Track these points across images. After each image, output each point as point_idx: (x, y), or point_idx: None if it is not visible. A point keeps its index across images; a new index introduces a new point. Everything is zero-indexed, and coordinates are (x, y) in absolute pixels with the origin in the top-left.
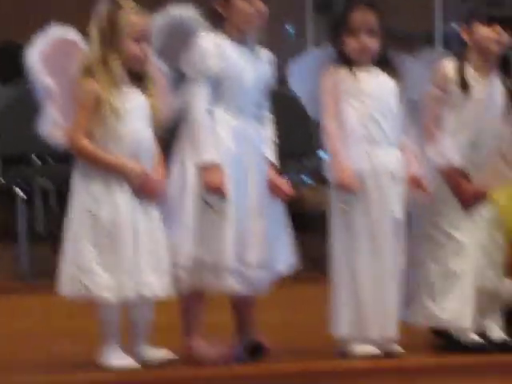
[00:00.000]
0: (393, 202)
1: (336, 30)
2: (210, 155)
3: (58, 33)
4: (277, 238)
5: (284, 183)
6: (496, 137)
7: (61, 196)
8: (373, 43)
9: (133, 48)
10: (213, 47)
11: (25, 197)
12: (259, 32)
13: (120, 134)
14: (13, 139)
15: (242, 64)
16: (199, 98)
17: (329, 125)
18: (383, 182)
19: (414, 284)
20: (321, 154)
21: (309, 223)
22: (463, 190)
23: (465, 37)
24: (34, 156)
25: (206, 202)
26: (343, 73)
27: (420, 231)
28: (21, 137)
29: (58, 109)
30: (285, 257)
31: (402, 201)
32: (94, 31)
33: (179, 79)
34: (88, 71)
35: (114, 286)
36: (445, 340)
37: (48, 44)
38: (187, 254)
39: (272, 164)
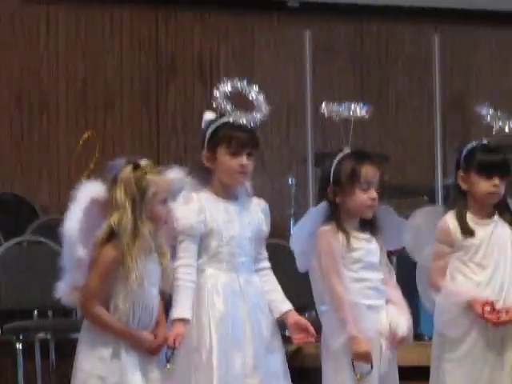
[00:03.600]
0: (382, 359)
1: (341, 184)
2: (180, 312)
3: (90, 193)
4: None
5: (309, 324)
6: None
7: (60, 349)
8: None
9: (161, 211)
10: (193, 206)
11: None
12: (251, 185)
13: (138, 299)
14: (12, 293)
15: (227, 218)
16: (180, 255)
17: (335, 290)
18: (374, 342)
19: None
20: (320, 309)
21: (307, 376)
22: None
23: (462, 185)
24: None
25: (165, 356)
26: (340, 237)
27: None
28: (21, 290)
29: (83, 274)
30: None
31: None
32: (122, 198)
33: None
34: (113, 236)
35: None
36: None
37: (84, 209)
38: None
39: (290, 308)
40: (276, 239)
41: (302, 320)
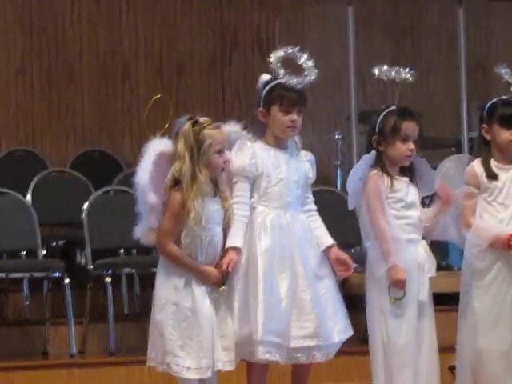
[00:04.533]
0: (420, 288)
1: (385, 136)
2: (232, 242)
3: (159, 147)
4: (331, 311)
5: (348, 258)
6: None
7: (143, 282)
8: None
9: (217, 160)
10: (246, 152)
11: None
12: (300, 139)
13: (202, 238)
14: (102, 234)
15: (276, 163)
16: (235, 194)
17: (380, 225)
18: (413, 273)
19: None
20: (366, 245)
21: (353, 302)
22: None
23: (486, 135)
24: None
25: (222, 281)
26: (385, 179)
27: None
28: (109, 232)
29: (156, 217)
30: (340, 327)
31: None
32: (182, 149)
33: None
34: (177, 183)
35: (193, 367)
36: None
37: (153, 162)
38: (235, 331)
39: (332, 244)
40: (326, 186)
41: (343, 254)
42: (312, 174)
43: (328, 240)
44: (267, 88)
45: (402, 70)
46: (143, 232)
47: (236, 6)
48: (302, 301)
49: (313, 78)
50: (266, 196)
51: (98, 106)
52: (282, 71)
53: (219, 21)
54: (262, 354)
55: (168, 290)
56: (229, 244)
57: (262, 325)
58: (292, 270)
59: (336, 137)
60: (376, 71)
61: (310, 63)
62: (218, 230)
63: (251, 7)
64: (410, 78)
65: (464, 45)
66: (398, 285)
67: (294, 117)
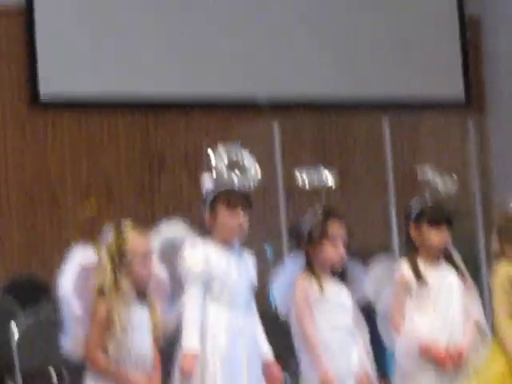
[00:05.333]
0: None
1: (313, 239)
2: (188, 345)
3: (81, 256)
4: None
5: (279, 376)
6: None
7: None
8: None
9: (139, 269)
10: (199, 255)
11: None
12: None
13: (128, 348)
14: (31, 356)
15: (227, 266)
16: (189, 296)
17: (308, 332)
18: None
19: None
20: (300, 357)
21: None
22: (436, 354)
23: (414, 236)
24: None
25: None
26: (314, 283)
27: None
28: (39, 354)
29: (81, 327)
30: None
31: None
32: (104, 257)
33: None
34: (101, 292)
35: None
36: None
37: (75, 271)
38: None
39: (271, 358)
40: (259, 303)
41: (276, 372)
42: (255, 279)
43: (267, 353)
44: (212, 190)
45: (323, 173)
46: (70, 344)
47: (163, 129)
48: None
49: (255, 180)
50: (218, 300)
51: (25, 231)
52: (225, 174)
53: (146, 144)
54: None
55: None
56: (186, 348)
57: None
58: (242, 376)
59: (267, 252)
60: (298, 176)
61: (253, 164)
62: (147, 339)
63: (178, 130)
64: (333, 182)
65: (391, 156)
66: None
67: (241, 220)
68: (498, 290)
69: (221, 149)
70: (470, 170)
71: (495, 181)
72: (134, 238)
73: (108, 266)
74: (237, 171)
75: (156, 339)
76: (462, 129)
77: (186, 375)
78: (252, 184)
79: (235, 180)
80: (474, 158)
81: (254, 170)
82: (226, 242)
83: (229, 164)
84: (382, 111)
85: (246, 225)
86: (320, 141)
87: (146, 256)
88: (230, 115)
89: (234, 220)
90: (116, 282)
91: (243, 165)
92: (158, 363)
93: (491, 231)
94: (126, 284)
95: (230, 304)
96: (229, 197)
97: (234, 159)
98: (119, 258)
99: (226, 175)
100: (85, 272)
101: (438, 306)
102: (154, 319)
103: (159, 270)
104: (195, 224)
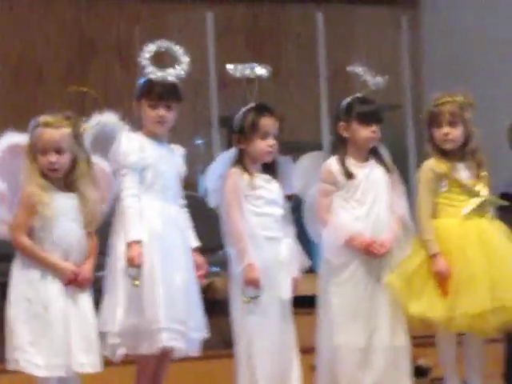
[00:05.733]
0: (281, 286)
1: (244, 133)
2: (132, 235)
3: (10, 139)
4: (195, 309)
5: (204, 264)
6: (388, 206)
7: (2, 289)
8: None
9: (41, 161)
10: (134, 144)
11: None
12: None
13: (53, 233)
14: None
15: (159, 156)
16: (125, 186)
17: (235, 223)
18: (274, 271)
19: None
20: (227, 247)
21: (218, 307)
22: (362, 243)
23: (343, 133)
24: None
25: (129, 276)
26: (245, 177)
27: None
28: None
29: (7, 208)
30: (202, 325)
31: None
32: (26, 145)
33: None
34: (26, 177)
35: (43, 364)
36: None
37: (1, 150)
38: (120, 323)
39: (196, 247)
40: (188, 191)
41: (199, 259)
42: (184, 170)
43: (193, 241)
44: (140, 82)
45: (257, 66)
46: None
47: (95, 15)
48: (187, 294)
49: (184, 71)
50: (151, 188)
51: None
52: (150, 67)
53: (78, 30)
54: (167, 341)
55: (22, 285)
56: (132, 238)
57: (164, 312)
58: (181, 263)
59: (198, 142)
60: (231, 69)
61: (183, 55)
62: (74, 227)
63: (110, 15)
64: (265, 74)
65: (324, 50)
66: (251, 284)
67: (161, 112)
68: (422, 185)
69: (150, 40)
70: (401, 66)
71: (426, 79)
72: (43, 129)
73: (27, 152)
74: (162, 64)
75: (87, 227)
76: (395, 25)
77: (134, 264)
78: (180, 75)
79: (160, 72)
80: (406, 55)
81: (184, 61)
82: (154, 135)
83: (156, 55)
84: (316, 5)
85: (169, 117)
86: (254, 32)
87: (49, 148)
88: (164, 5)
89: (156, 112)
90: (30, 171)
91: (173, 56)
92: (94, 251)
93: (421, 129)
94: (36, 174)
95: (161, 193)
96: (152, 89)
97: (163, 50)
98: (30, 149)
99: (151, 67)
100: (10, 153)
101: (364, 200)
102: (85, 207)
103: (98, 159)
104: (126, 115)
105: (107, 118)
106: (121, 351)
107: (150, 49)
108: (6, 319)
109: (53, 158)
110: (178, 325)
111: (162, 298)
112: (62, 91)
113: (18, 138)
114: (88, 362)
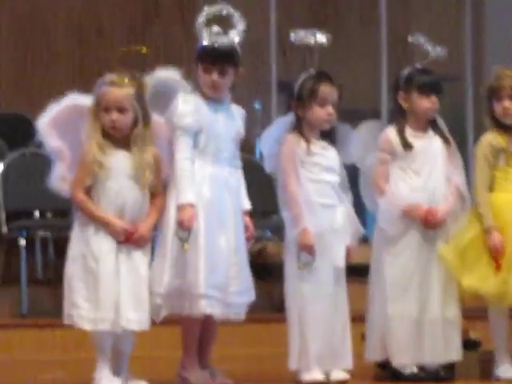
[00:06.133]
0: (335, 254)
1: (303, 100)
2: (185, 197)
3: (72, 100)
4: (243, 272)
5: (250, 225)
6: (445, 177)
7: (58, 247)
8: (335, 114)
9: (104, 119)
10: (190, 106)
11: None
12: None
13: (108, 191)
14: (17, 196)
15: (215, 118)
16: (179, 148)
17: (291, 189)
18: (329, 238)
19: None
20: (282, 212)
21: (269, 272)
22: (418, 213)
23: (402, 103)
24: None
25: (179, 238)
26: (302, 143)
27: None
28: (24, 194)
29: (67, 167)
30: (249, 289)
31: (344, 251)
32: (90, 106)
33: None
34: (88, 136)
35: (93, 319)
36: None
37: (59, 110)
38: (167, 284)
39: (247, 209)
40: (245, 154)
41: (247, 221)
42: (243, 131)
43: (245, 203)
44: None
45: (318, 33)
46: (55, 180)
47: None
48: (235, 257)
49: (238, 38)
50: (204, 151)
51: (15, 67)
52: (204, 31)
53: None
54: (204, 308)
55: (79, 242)
56: (183, 200)
57: (205, 278)
58: (229, 226)
59: (256, 106)
60: (292, 36)
61: (239, 20)
62: (130, 185)
63: None
64: (326, 42)
65: (385, 19)
66: (305, 249)
67: (214, 77)
68: (479, 158)
69: (213, 2)
70: (463, 38)
71: (487, 51)
72: (106, 89)
73: (91, 111)
74: (219, 28)
75: (146, 187)
76: None
77: (186, 227)
78: (233, 41)
79: (213, 37)
80: (469, 26)
81: (240, 27)
82: (211, 97)
83: (219, 18)
84: None
85: (223, 82)
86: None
87: (113, 107)
88: None
89: (210, 76)
90: (93, 129)
91: (230, 20)
92: (156, 210)
93: (480, 101)
94: (98, 132)
95: (214, 156)
96: (205, 53)
97: (220, 14)
98: (94, 108)
99: (205, 32)
100: (72, 112)
101: (421, 172)
102: (141, 167)
103: (156, 116)
104: (186, 77)
105: (170, 74)
106: (164, 312)
107: (207, 12)
108: (65, 275)
109: (115, 116)
110: (218, 291)
111: (204, 264)
112: (123, 50)
113: (80, 99)
114: (135, 318)
